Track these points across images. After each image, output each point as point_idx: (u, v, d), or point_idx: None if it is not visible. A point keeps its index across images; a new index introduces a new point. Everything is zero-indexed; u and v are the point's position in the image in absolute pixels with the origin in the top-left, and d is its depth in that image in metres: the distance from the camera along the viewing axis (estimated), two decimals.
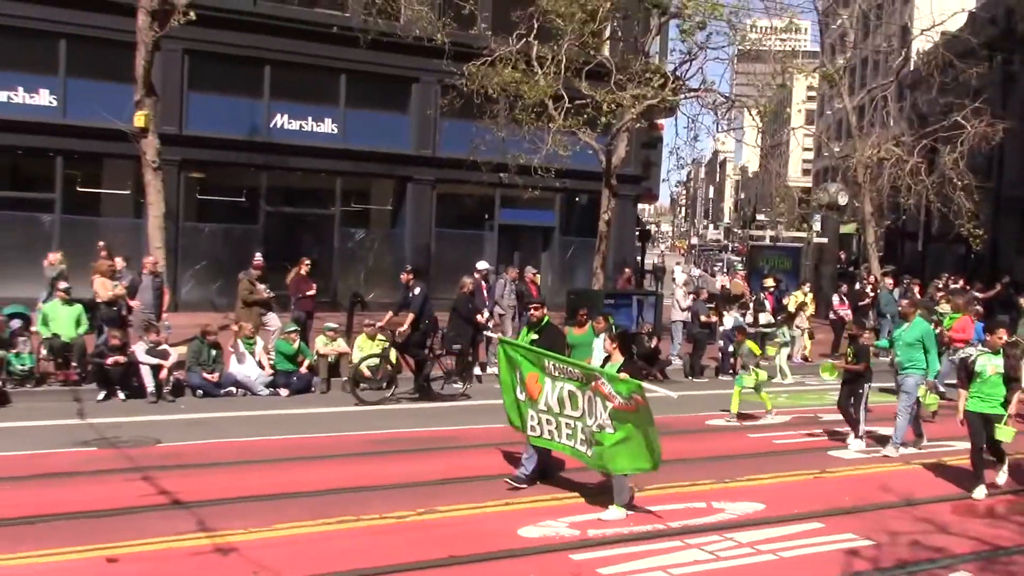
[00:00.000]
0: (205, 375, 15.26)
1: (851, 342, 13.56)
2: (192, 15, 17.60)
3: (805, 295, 22.96)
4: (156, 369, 14.73)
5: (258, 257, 18.82)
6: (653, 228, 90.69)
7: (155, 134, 18.03)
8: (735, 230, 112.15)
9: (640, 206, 44.28)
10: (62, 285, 16.10)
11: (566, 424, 9.52)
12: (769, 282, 23.01)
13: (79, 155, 23.84)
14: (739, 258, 46.25)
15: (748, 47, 25.54)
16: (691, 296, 21.33)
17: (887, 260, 45.41)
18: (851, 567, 8.13)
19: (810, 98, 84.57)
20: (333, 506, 9.26)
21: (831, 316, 23.66)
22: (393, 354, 15.91)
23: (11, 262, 22.75)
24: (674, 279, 25.54)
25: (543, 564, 8.01)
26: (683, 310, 20.98)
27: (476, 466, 11.25)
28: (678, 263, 55.67)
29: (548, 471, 10.39)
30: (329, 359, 16.66)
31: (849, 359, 13.22)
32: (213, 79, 25.07)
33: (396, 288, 27.48)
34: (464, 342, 16.86)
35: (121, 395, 14.58)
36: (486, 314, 18.22)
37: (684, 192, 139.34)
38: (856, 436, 13.01)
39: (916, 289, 26.26)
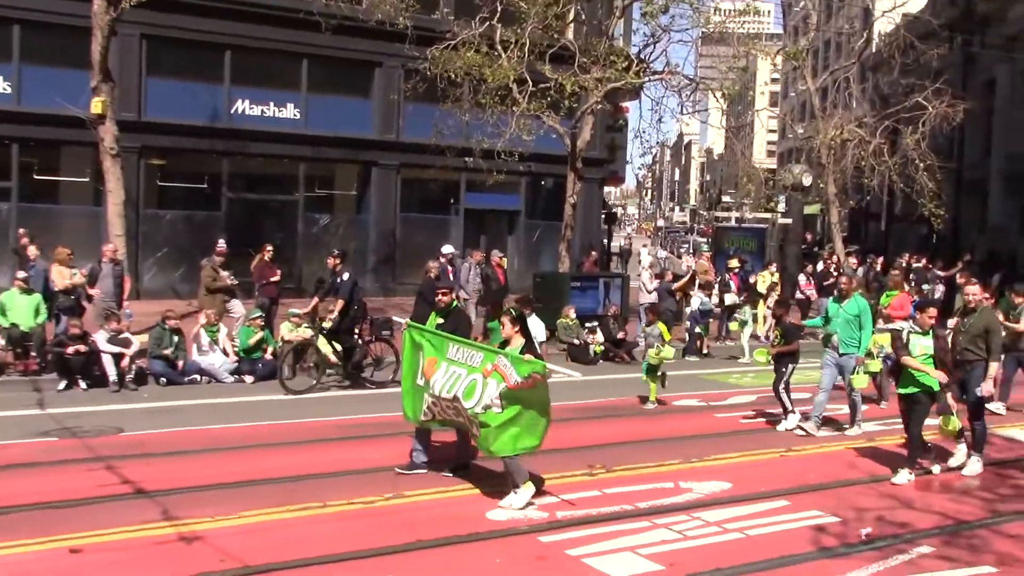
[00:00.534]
0: (166, 353, 15.06)
1: (777, 323, 13.43)
2: None
3: (773, 275, 23.09)
4: (118, 358, 14.54)
5: (221, 243, 18.61)
6: (619, 211, 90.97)
7: (113, 120, 17.77)
8: (701, 212, 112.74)
9: (606, 189, 44.37)
10: (20, 274, 15.82)
11: (448, 406, 9.32)
12: (733, 263, 23.12)
13: (35, 142, 23.46)
14: (704, 240, 46.47)
15: (711, 30, 25.51)
16: (657, 278, 21.39)
17: (852, 240, 45.85)
18: (818, 543, 8.17)
19: (774, 80, 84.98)
20: (299, 492, 9.19)
21: (797, 295, 23.83)
22: (322, 342, 15.52)
23: None
24: (640, 261, 25.61)
25: (511, 547, 7.99)
26: (649, 292, 21.02)
27: (442, 452, 11.19)
28: (644, 245, 55.84)
29: (464, 464, 10.07)
30: (294, 345, 16.50)
31: (777, 341, 13.06)
32: (172, 64, 24.73)
33: (361, 275, 27.59)
34: (397, 328, 16.53)
35: (82, 384, 14.39)
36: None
37: (650, 175, 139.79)
38: (790, 412, 12.86)
39: (879, 267, 26.53)
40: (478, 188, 28.39)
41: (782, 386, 12.85)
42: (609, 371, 18.42)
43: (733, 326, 21.41)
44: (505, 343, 9.45)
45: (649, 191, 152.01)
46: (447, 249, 19.68)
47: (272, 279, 18.29)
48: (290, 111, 26.57)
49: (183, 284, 23.62)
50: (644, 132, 25.89)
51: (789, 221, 34.91)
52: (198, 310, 17.19)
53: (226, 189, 25.96)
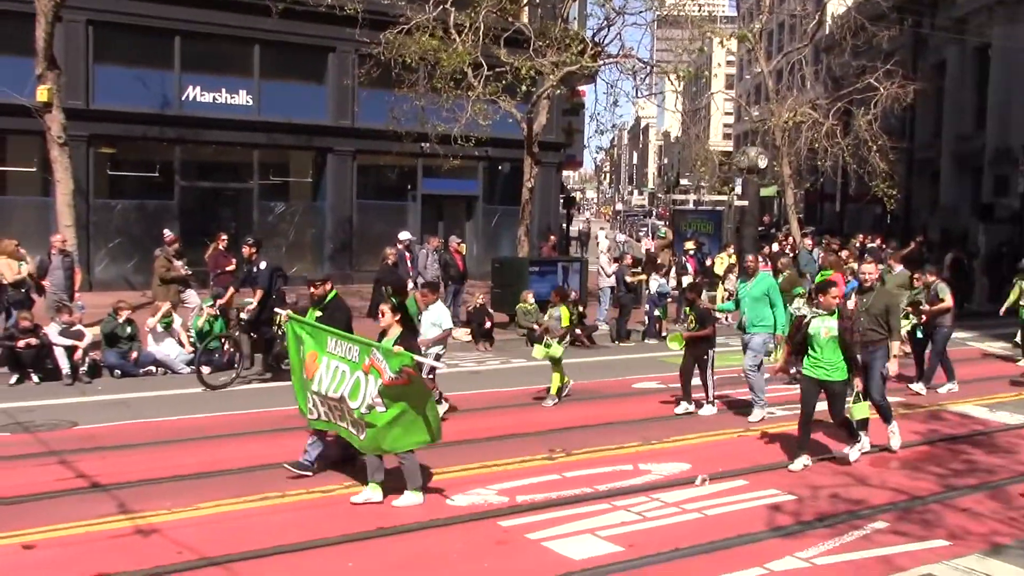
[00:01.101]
0: (120, 345, 14.85)
1: (691, 308, 13.24)
2: None
3: (730, 257, 23.24)
4: (71, 350, 14.31)
5: (168, 233, 18.37)
6: (578, 195, 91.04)
7: (60, 109, 17.45)
8: (659, 195, 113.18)
9: (565, 173, 44.41)
10: None
11: (334, 407, 8.88)
12: (689, 245, 23.26)
13: None
14: (662, 222, 46.68)
15: (665, 12, 25.57)
16: (615, 262, 21.45)
17: (808, 221, 46.32)
18: (774, 522, 8.26)
19: (729, 63, 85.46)
20: (257, 483, 9.11)
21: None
22: (244, 337, 14.94)
23: None
24: (598, 245, 25.68)
25: (472, 531, 7.99)
26: (608, 276, 21.08)
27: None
28: (602, 228, 55.98)
29: (351, 455, 9.60)
30: (251, 335, 16.32)
31: (691, 326, 12.87)
32: (120, 51, 24.31)
33: (318, 262, 27.48)
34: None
35: (35, 378, 14.14)
36: (410, 285, 18.07)
37: (608, 159, 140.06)
38: (708, 401, 12.73)
39: (835, 248, 26.76)
40: (435, 174, 28.24)
41: (709, 371, 12.71)
42: (569, 355, 18.40)
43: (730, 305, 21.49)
44: (383, 334, 9.02)
45: (607, 175, 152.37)
46: (404, 235, 19.62)
47: (227, 268, 18.09)
48: (243, 97, 26.24)
49: (136, 275, 23.29)
50: (599, 115, 25.85)
51: (746, 203, 35.16)
52: (152, 300, 16.95)
53: (179, 177, 25.60)
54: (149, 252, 19.63)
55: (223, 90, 25.94)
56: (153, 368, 15.21)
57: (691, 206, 35.34)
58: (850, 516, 8.47)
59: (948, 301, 14.56)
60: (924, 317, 14.58)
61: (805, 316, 10.33)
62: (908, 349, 14.81)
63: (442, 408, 11.82)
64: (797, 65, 37.21)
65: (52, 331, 14.44)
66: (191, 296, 17.53)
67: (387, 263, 17.82)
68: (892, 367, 10.76)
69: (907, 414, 12.77)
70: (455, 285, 20.51)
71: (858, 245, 24.98)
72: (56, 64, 17.65)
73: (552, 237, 26.59)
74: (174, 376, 15.19)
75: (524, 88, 21.10)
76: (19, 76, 19.45)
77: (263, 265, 14.97)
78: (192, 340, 15.86)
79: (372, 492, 8.60)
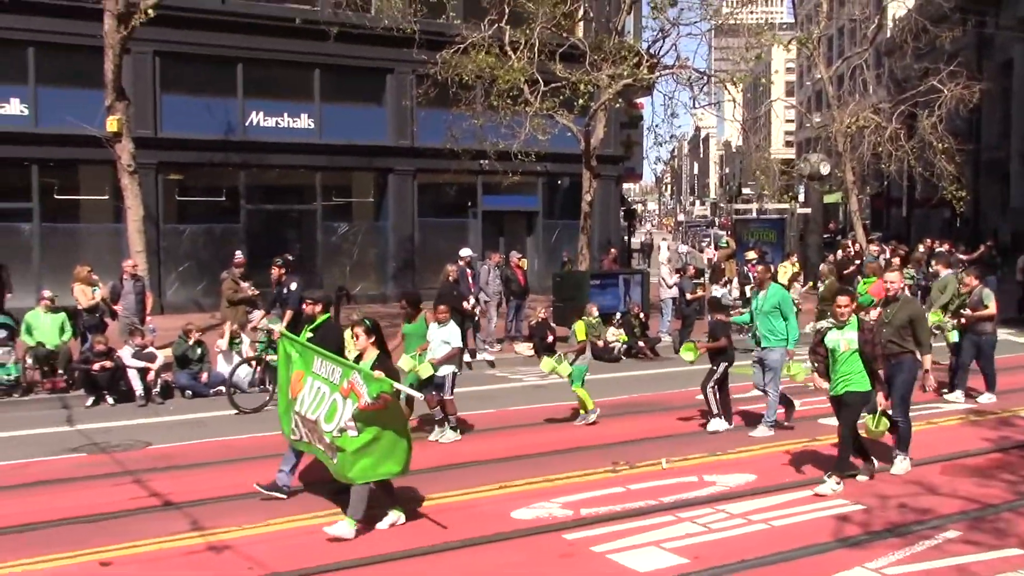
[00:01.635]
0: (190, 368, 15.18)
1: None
2: (151, 12, 17.44)
3: (794, 265, 22.99)
4: (143, 372, 14.69)
5: (238, 255, 18.77)
6: (639, 207, 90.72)
7: (129, 138, 17.95)
8: (721, 205, 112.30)
9: (625, 186, 44.31)
10: (46, 293, 16.00)
11: (312, 428, 8.66)
12: (751, 255, 23.05)
13: (54, 163, 23.72)
14: (725, 232, 46.34)
15: (720, 21, 25.46)
16: (677, 273, 21.36)
17: (874, 227, 45.67)
18: (842, 532, 8.16)
19: (788, 70, 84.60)
20: (325, 499, 9.25)
21: (819, 285, 23.70)
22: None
23: None
24: (660, 256, 25.60)
25: (537, 545, 8.02)
26: (669, 287, 20.99)
27: (467, 452, 11.27)
28: (664, 239, 55.78)
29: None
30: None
31: (706, 339, 12.58)
32: (186, 80, 24.93)
33: (382, 281, 27.81)
34: None
35: (110, 400, 14.54)
36: (472, 301, 18.21)
37: (668, 170, 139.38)
38: (715, 415, 12.25)
39: (902, 254, 26.34)
40: (495, 190, 28.45)
41: (711, 385, 12.26)
42: (632, 368, 18.41)
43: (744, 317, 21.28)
44: (359, 357, 8.73)
45: (668, 186, 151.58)
46: (465, 252, 19.71)
47: (292, 288, 18.35)
48: (304, 121, 26.72)
49: (205, 297, 23.80)
50: (658, 127, 25.79)
51: (809, 211, 34.79)
52: (220, 322, 17.31)
53: (244, 201, 26.15)
54: (217, 275, 20.08)
55: (285, 114, 26.45)
56: (222, 388, 15.50)
57: (753, 215, 35.02)
58: (920, 526, 8.32)
59: (992, 308, 14.00)
60: (964, 321, 14.02)
61: (821, 329, 9.99)
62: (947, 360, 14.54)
63: (453, 435, 11.87)
64: (858, 70, 36.72)
65: (125, 354, 14.83)
66: (258, 317, 17.81)
67: (448, 280, 17.96)
68: (929, 381, 10.24)
69: (977, 421, 12.52)
70: (517, 300, 20.60)
71: (925, 250, 24.53)
72: (125, 95, 18.17)
73: (613, 250, 26.58)
74: (243, 395, 15.46)
75: (581, 102, 21.17)
76: (90, 108, 20.06)
77: (293, 286, 15.10)
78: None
79: (343, 527, 8.15)
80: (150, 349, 15.11)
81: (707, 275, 23.24)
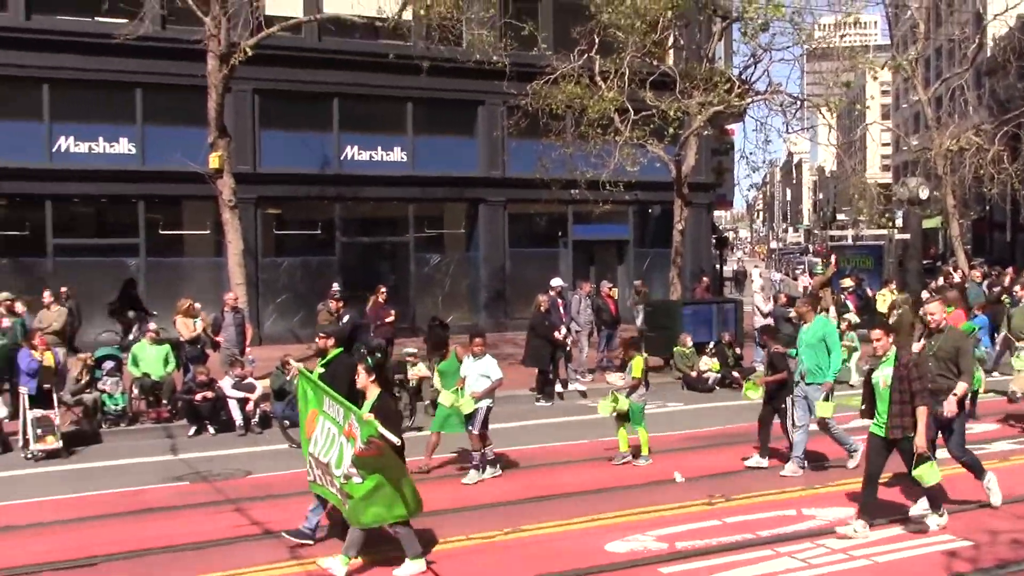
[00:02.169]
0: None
1: (763, 349, 12.45)
2: (250, 52, 17.98)
3: (893, 293, 22.38)
4: (243, 402, 15.03)
5: (335, 287, 19.13)
6: (731, 234, 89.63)
7: (230, 174, 18.47)
8: (815, 231, 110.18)
9: (716, 213, 43.88)
10: (151, 326, 16.55)
11: (325, 471, 8.44)
12: (847, 282, 22.54)
13: (159, 199, 24.57)
14: (819, 260, 45.50)
15: (814, 46, 25.10)
16: (770, 302, 21.01)
17: (977, 252, 44.23)
18: (950, 568, 7.90)
19: (884, 92, 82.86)
20: (418, 529, 9.30)
21: (922, 312, 23.02)
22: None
23: (102, 306, 23.51)
24: (753, 284, 25.21)
25: None
26: (764, 316, 20.66)
27: (561, 483, 11.23)
28: (756, 267, 54.96)
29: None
30: (411, 384, 16.78)
31: (765, 372, 12.09)
32: (283, 116, 25.61)
33: (474, 311, 28.00)
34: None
35: (211, 429, 14.91)
36: (563, 331, 18.21)
37: (760, 196, 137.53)
38: (793, 456, 11.48)
39: (1006, 280, 25.46)
40: (585, 219, 28.44)
41: (789, 423, 11.77)
42: (726, 398, 18.14)
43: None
44: (361, 397, 8.46)
45: (760, 213, 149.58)
46: (556, 282, 19.73)
47: (387, 320, 18.67)
48: (397, 154, 27.17)
49: (302, 328, 24.25)
50: (751, 154, 25.50)
51: (908, 236, 33.91)
52: (315, 353, 17.60)
53: (339, 234, 26.67)
54: (313, 306, 20.49)
55: (379, 148, 26.95)
56: None
57: (849, 241, 34.28)
58: None
59: None
60: None
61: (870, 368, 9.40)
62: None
63: (492, 471, 11.58)
64: (958, 90, 35.81)
65: (226, 384, 15.22)
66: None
67: (540, 310, 18.01)
68: (949, 406, 9.41)
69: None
70: (608, 330, 20.52)
71: (960, 278, 23.65)
72: (226, 132, 18.73)
73: (705, 278, 26.29)
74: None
75: (672, 130, 21.08)
76: (193, 145, 20.76)
77: (345, 319, 15.27)
78: None
79: (335, 565, 8.06)
80: (249, 380, 15.48)
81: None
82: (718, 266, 39.52)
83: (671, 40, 24.24)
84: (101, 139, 23.91)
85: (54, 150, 23.44)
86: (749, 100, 22.77)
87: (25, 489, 11.76)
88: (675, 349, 19.36)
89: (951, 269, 28.83)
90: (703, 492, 10.49)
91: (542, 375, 17.72)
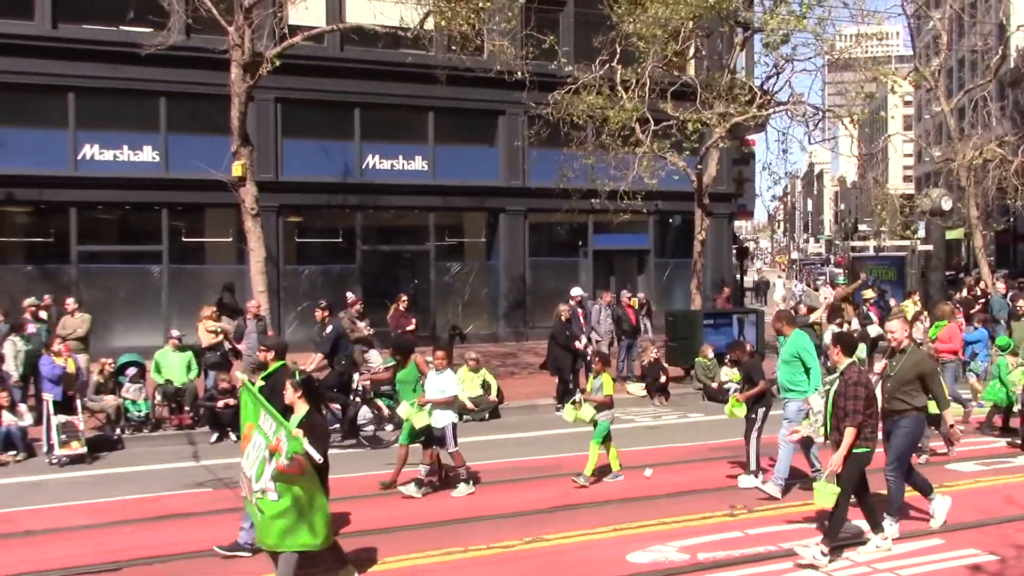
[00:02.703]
0: None
1: (736, 366, 12.17)
2: (276, 62, 18.11)
3: (916, 304, 22.22)
4: None
5: (349, 296, 19.16)
6: (752, 245, 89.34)
7: (253, 182, 18.53)
8: (836, 242, 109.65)
9: (737, 223, 43.75)
10: (174, 333, 16.64)
11: (248, 486, 8.00)
12: (869, 293, 22.38)
13: (183, 207, 24.74)
14: (840, 270, 45.25)
15: (836, 57, 25.00)
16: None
17: (1000, 264, 43.90)
18: None
19: (907, 103, 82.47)
20: (440, 538, 9.33)
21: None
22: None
23: (125, 312, 23.71)
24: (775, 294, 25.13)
25: None
26: None
27: (583, 493, 11.21)
28: (780, 276, 54.78)
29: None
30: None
31: (742, 388, 11.69)
32: (306, 125, 25.75)
33: (493, 320, 28.03)
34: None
35: (233, 436, 14.93)
36: (583, 340, 18.19)
37: (781, 207, 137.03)
38: (747, 471, 11.28)
39: None
40: (606, 229, 28.44)
41: (754, 435, 11.31)
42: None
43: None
44: (288, 412, 8.13)
45: (781, 223, 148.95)
46: (576, 292, 19.71)
47: (407, 328, 18.68)
48: (418, 163, 27.26)
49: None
50: (771, 164, 25.31)
51: (930, 247, 33.71)
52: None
53: (360, 242, 26.76)
54: (334, 315, 20.51)
55: (400, 157, 27.05)
56: (337, 425, 15.78)
57: (871, 252, 34.06)
58: None
59: None
60: None
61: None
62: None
63: (467, 488, 11.28)
64: (981, 102, 35.59)
65: None
66: (374, 356, 18.18)
67: (560, 320, 18.01)
68: (955, 434, 9.24)
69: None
70: (628, 340, 20.50)
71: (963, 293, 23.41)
72: (249, 140, 18.81)
73: (726, 289, 26.19)
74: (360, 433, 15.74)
75: (692, 141, 21.03)
76: (216, 153, 20.87)
77: (329, 329, 15.25)
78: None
79: None
80: None
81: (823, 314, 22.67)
82: (739, 276, 39.40)
83: (692, 50, 24.22)
84: (125, 147, 24.11)
85: (79, 158, 23.65)
86: (771, 111, 22.71)
87: (49, 494, 11.87)
88: (696, 360, 19.30)
89: (973, 281, 28.62)
90: (725, 503, 10.45)
91: (563, 384, 17.70)
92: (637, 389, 19.12)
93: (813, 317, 19.76)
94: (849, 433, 8.33)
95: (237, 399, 14.84)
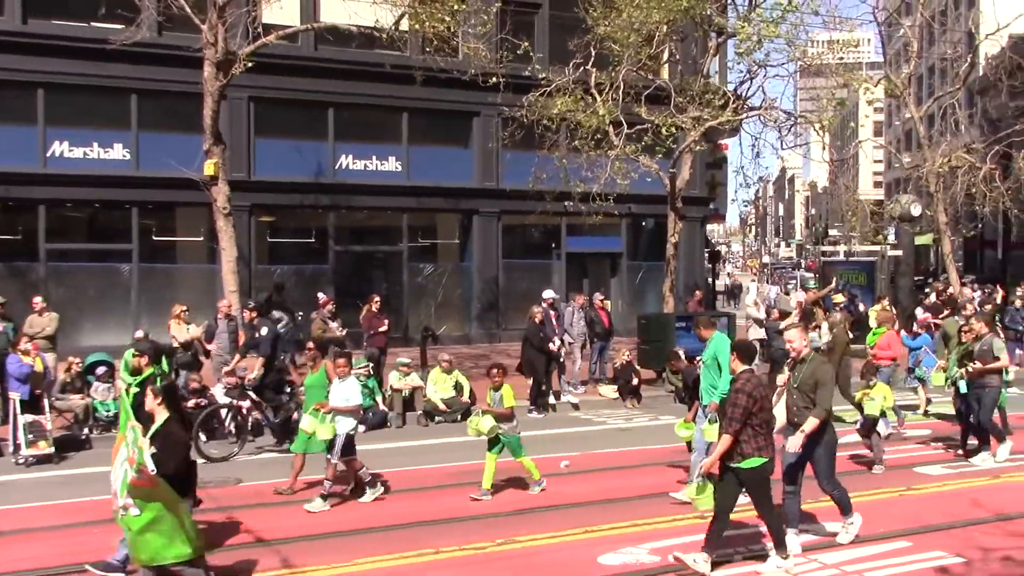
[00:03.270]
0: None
1: (675, 374, 12.18)
2: (250, 63, 18.02)
3: (886, 309, 22.43)
4: (235, 410, 14.96)
5: (320, 296, 19.08)
6: (724, 249, 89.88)
7: (225, 181, 18.44)
8: (807, 247, 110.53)
9: (710, 227, 43.99)
10: (138, 333, 16.49)
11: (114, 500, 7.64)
12: (838, 298, 22.56)
13: (153, 205, 24.54)
14: (811, 275, 45.64)
15: (808, 63, 25.20)
16: (761, 312, 21.06)
17: (968, 269, 44.44)
18: None
19: (877, 110, 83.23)
20: (412, 539, 9.31)
21: (915, 329, 23.07)
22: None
23: (93, 311, 23.49)
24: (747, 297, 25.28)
25: None
26: (760, 326, 20.70)
27: (553, 495, 11.22)
28: (753, 280, 55.15)
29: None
30: (403, 394, 16.80)
31: (686, 395, 11.36)
32: (279, 124, 25.62)
33: (466, 322, 28.00)
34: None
35: (202, 437, 14.82)
36: (556, 342, 18.22)
37: (753, 211, 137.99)
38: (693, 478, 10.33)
39: (999, 297, 25.61)
40: (579, 231, 28.52)
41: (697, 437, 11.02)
42: None
43: None
44: (150, 419, 7.77)
45: (753, 227, 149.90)
46: (548, 294, 19.71)
47: (380, 329, 18.64)
48: (392, 164, 27.20)
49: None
50: (744, 168, 25.48)
51: (900, 253, 34.05)
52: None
53: (333, 242, 26.66)
54: (306, 315, 20.46)
55: (373, 157, 26.99)
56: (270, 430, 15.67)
57: (841, 257, 34.38)
58: None
59: (1004, 360, 12.96)
60: (969, 372, 12.83)
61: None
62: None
63: (376, 492, 11.10)
64: (950, 109, 36.00)
65: (217, 392, 15.17)
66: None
67: (534, 322, 18.03)
68: (795, 441, 8.79)
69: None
70: (601, 342, 20.54)
71: (1020, 293, 23.75)
72: (222, 139, 18.71)
73: (698, 292, 26.34)
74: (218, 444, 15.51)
75: (666, 144, 21.11)
76: (188, 152, 20.73)
77: (264, 330, 15.13)
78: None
79: None
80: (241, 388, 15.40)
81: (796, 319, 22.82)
82: (711, 280, 39.61)
83: (666, 54, 24.33)
84: (95, 144, 23.88)
85: (48, 155, 23.39)
86: (744, 116, 22.84)
87: (16, 494, 11.73)
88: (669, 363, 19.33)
89: (940, 285, 28.92)
90: (689, 507, 10.46)
91: (536, 386, 17.73)
92: (609, 391, 19.18)
93: (784, 324, 19.70)
94: (724, 440, 8.17)
95: (208, 399, 14.87)
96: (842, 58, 27.97)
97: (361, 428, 15.71)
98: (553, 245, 29.57)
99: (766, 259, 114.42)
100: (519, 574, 8.34)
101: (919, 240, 41.79)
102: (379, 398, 16.89)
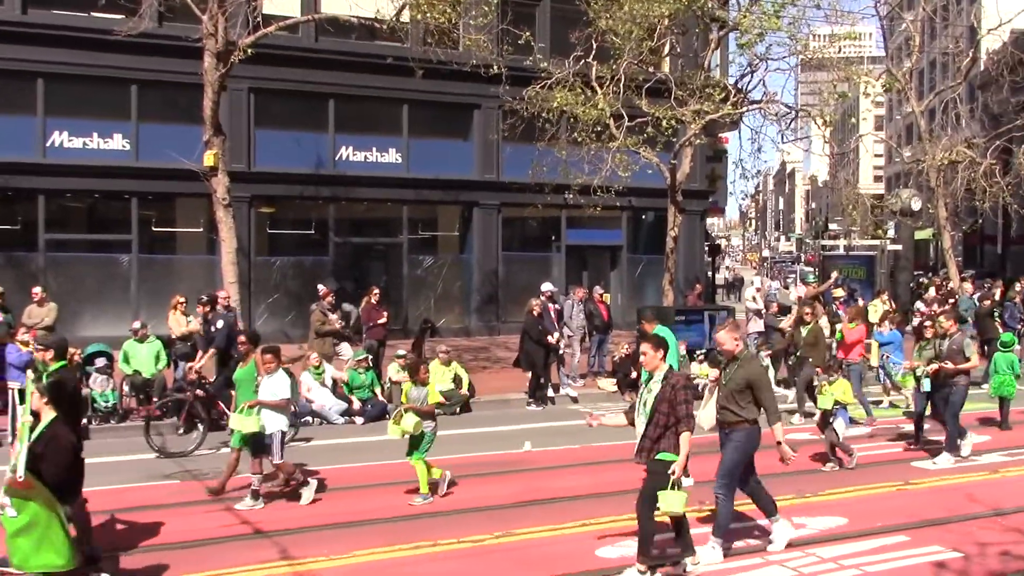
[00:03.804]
0: None
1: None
2: (249, 52, 17.98)
3: (885, 303, 22.42)
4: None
5: (321, 288, 19.11)
6: (724, 242, 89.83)
7: (225, 172, 18.41)
8: (807, 241, 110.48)
9: (709, 221, 43.96)
10: (136, 324, 16.46)
11: None
12: (838, 292, 22.55)
13: (153, 196, 24.52)
14: (811, 268, 45.61)
15: (810, 57, 25.13)
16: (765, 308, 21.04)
17: (967, 264, 44.40)
18: None
19: (878, 104, 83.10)
20: (411, 532, 9.32)
21: (914, 324, 23.08)
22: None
23: (93, 302, 23.48)
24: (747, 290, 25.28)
25: None
26: (762, 316, 20.71)
27: (552, 488, 11.22)
28: (756, 274, 55.11)
29: (94, 554, 8.33)
30: (402, 386, 16.75)
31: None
32: (279, 115, 25.59)
33: (465, 314, 27.99)
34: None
35: (201, 428, 14.82)
36: (555, 336, 18.21)
37: (753, 205, 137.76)
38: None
39: (997, 292, 25.58)
40: (579, 224, 28.48)
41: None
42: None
43: None
44: (37, 418, 7.30)
45: (753, 221, 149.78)
46: (546, 287, 19.66)
47: (379, 321, 18.63)
48: (392, 156, 27.18)
49: (293, 328, 24.21)
50: (744, 162, 25.42)
51: (899, 247, 34.03)
52: (307, 352, 17.61)
53: (333, 234, 26.65)
54: (305, 306, 20.48)
55: (374, 149, 26.96)
56: (309, 418, 15.76)
57: (841, 251, 34.36)
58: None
59: (974, 360, 12.82)
60: (934, 370, 12.63)
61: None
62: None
63: (310, 493, 10.66)
64: (951, 103, 35.93)
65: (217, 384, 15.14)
66: (345, 348, 18.13)
67: (532, 315, 18.02)
68: (786, 453, 8.80)
69: None
70: (600, 335, 20.53)
71: (1020, 288, 23.76)
72: (221, 130, 18.68)
73: (698, 285, 26.34)
74: (329, 426, 15.71)
75: (666, 137, 21.08)
76: (188, 143, 20.70)
77: (219, 324, 15.09)
78: (344, 391, 16.42)
79: None
80: None
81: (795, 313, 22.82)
82: (711, 273, 39.62)
83: (667, 47, 24.26)
84: (95, 135, 23.87)
85: (48, 145, 23.38)
86: (744, 109, 22.80)
87: None
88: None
89: (939, 280, 28.95)
90: (694, 499, 10.47)
91: (535, 379, 17.73)
92: (607, 384, 19.17)
93: (784, 323, 19.63)
94: (685, 438, 8.10)
95: (206, 391, 14.85)
96: (842, 51, 27.90)
97: (359, 420, 15.85)
98: (553, 238, 29.55)
99: (766, 253, 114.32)
100: (517, 567, 8.35)
101: (919, 235, 41.78)
102: (378, 390, 16.90)
